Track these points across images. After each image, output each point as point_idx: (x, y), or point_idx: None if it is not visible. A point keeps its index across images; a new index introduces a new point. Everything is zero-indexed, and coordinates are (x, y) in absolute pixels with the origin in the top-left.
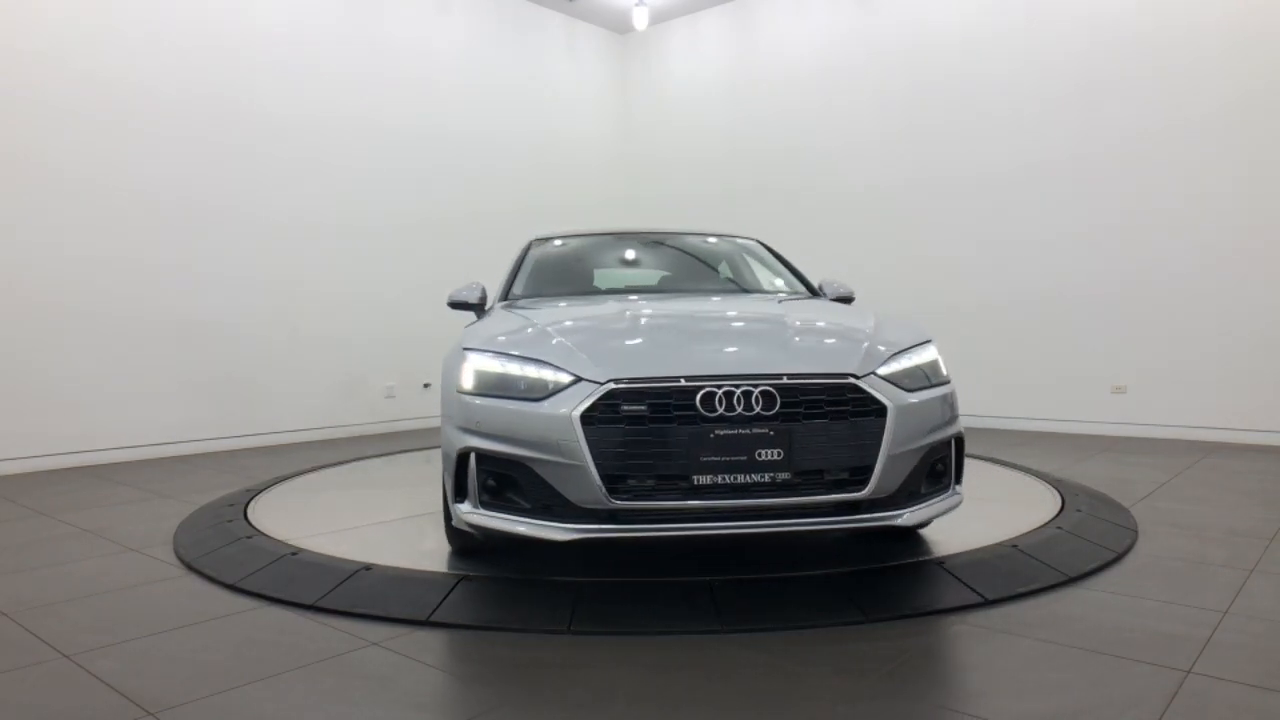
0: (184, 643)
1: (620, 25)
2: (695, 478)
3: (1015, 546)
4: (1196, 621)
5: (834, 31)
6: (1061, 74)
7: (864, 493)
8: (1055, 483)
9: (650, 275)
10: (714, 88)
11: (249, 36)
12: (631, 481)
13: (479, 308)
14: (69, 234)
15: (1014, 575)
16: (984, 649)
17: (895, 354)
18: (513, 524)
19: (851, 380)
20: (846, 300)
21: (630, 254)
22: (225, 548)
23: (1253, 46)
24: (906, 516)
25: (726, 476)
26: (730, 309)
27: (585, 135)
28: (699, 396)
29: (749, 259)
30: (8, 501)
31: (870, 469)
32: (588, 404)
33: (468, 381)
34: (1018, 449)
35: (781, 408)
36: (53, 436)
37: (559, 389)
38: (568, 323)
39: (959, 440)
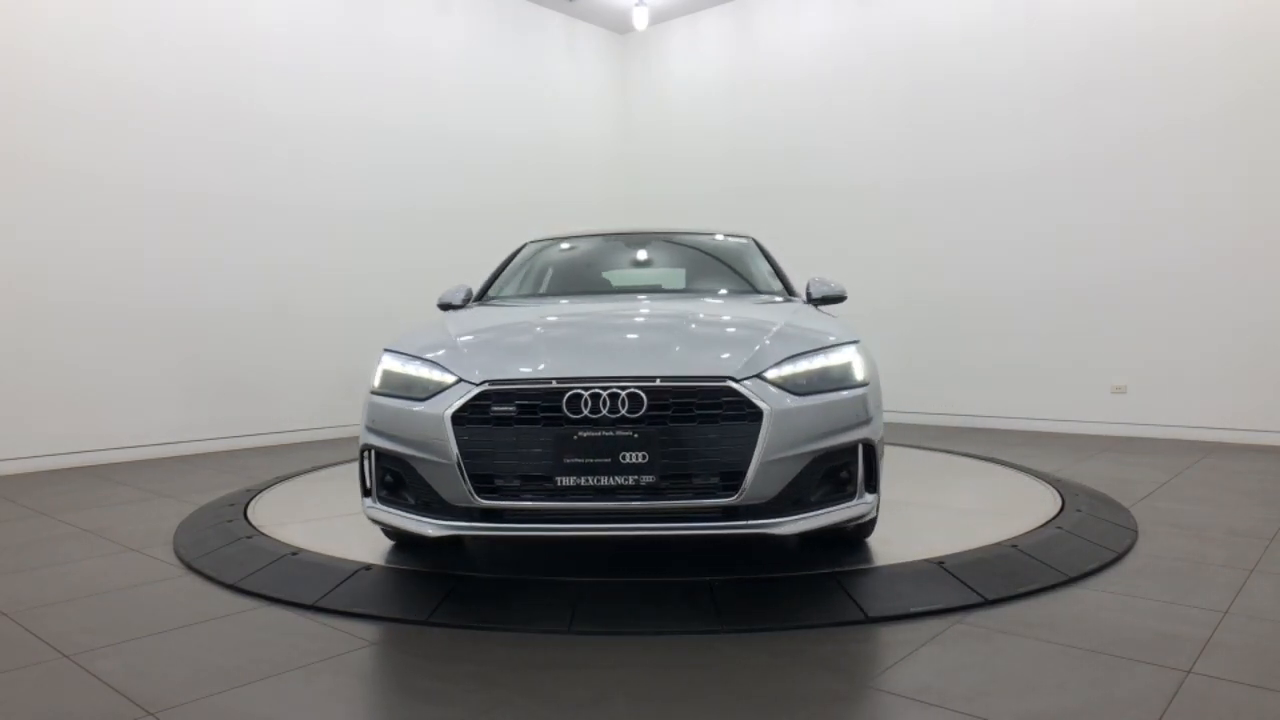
0: (184, 643)
1: (620, 25)
2: (558, 479)
3: (1015, 546)
4: (1196, 621)
5: (834, 31)
6: (1061, 74)
7: (734, 499)
8: (1055, 483)
9: (627, 276)
10: (714, 87)
11: (249, 36)
12: (499, 481)
13: (462, 309)
14: (69, 234)
15: (1014, 575)
16: (984, 649)
17: (793, 356)
18: (400, 519)
19: (729, 383)
20: (837, 299)
21: (612, 256)
22: (225, 548)
23: (1252, 47)
24: (787, 526)
25: (590, 479)
26: (660, 310)
27: (585, 135)
28: (565, 398)
29: (733, 258)
30: (8, 501)
31: (742, 474)
32: (459, 404)
33: (376, 381)
34: (1018, 449)
35: (648, 410)
36: (53, 436)
37: (441, 390)
38: (482, 324)
39: (868, 446)
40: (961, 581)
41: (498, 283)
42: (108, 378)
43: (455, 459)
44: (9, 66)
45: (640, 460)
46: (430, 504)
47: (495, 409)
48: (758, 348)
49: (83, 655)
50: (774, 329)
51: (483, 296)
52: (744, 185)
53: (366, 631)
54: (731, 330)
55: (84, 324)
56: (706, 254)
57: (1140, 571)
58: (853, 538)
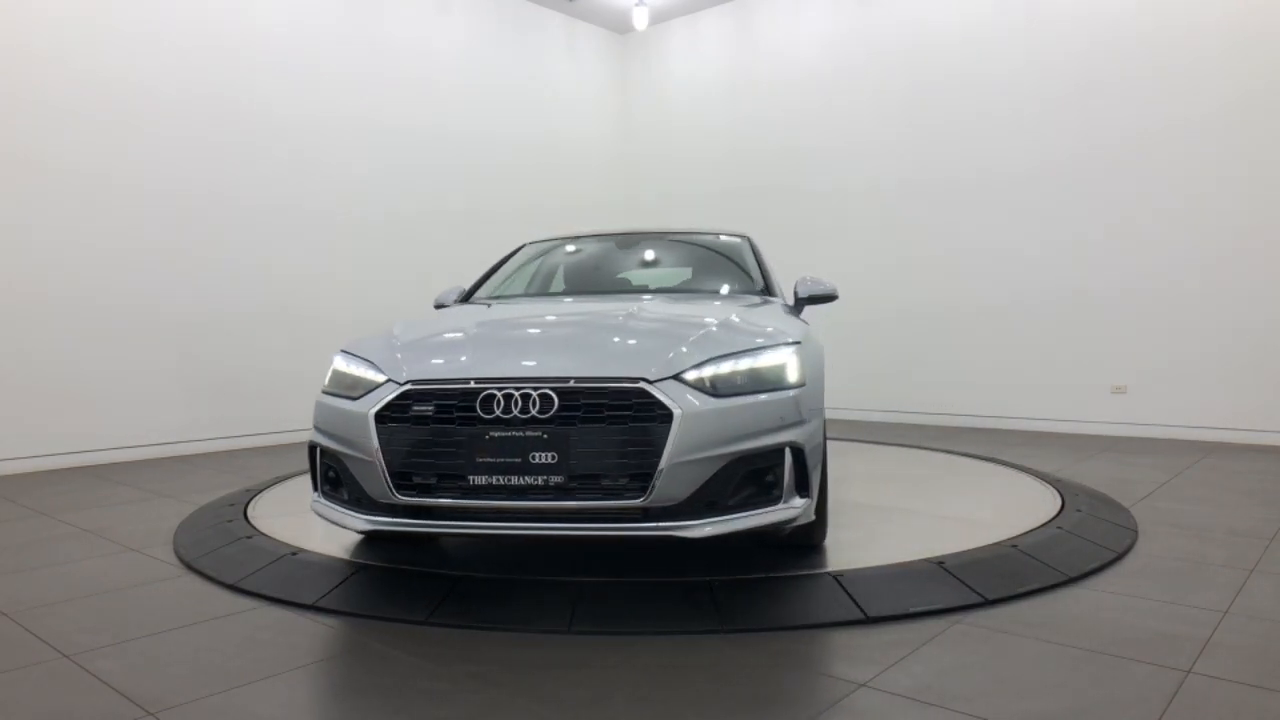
0: (184, 643)
1: (620, 25)
2: (471, 478)
3: (1015, 546)
4: (1196, 621)
5: (834, 31)
6: (1061, 75)
7: (642, 501)
8: (1055, 483)
9: (612, 278)
10: (714, 87)
11: (249, 36)
12: (416, 479)
13: (442, 310)
14: (69, 234)
15: (1014, 575)
16: (984, 649)
17: (718, 357)
18: (335, 513)
19: (642, 384)
20: (826, 299)
21: (601, 257)
22: (225, 548)
23: (1252, 47)
24: (699, 529)
25: (502, 478)
26: (610, 310)
27: (585, 135)
28: (479, 399)
29: (723, 258)
30: (8, 501)
31: (651, 476)
32: (383, 404)
33: (326, 380)
34: (1018, 449)
35: (558, 411)
36: (53, 436)
37: (372, 389)
38: (432, 325)
39: (796, 449)
40: (961, 581)
41: (490, 283)
42: (108, 378)
43: (377, 456)
44: (11, 66)
45: (550, 461)
46: (360, 500)
47: (415, 408)
48: (683, 349)
49: (83, 655)
50: (709, 329)
51: (469, 297)
52: (744, 185)
53: (366, 631)
54: (662, 331)
55: (84, 324)
56: (695, 254)
57: (1140, 571)
58: (798, 544)
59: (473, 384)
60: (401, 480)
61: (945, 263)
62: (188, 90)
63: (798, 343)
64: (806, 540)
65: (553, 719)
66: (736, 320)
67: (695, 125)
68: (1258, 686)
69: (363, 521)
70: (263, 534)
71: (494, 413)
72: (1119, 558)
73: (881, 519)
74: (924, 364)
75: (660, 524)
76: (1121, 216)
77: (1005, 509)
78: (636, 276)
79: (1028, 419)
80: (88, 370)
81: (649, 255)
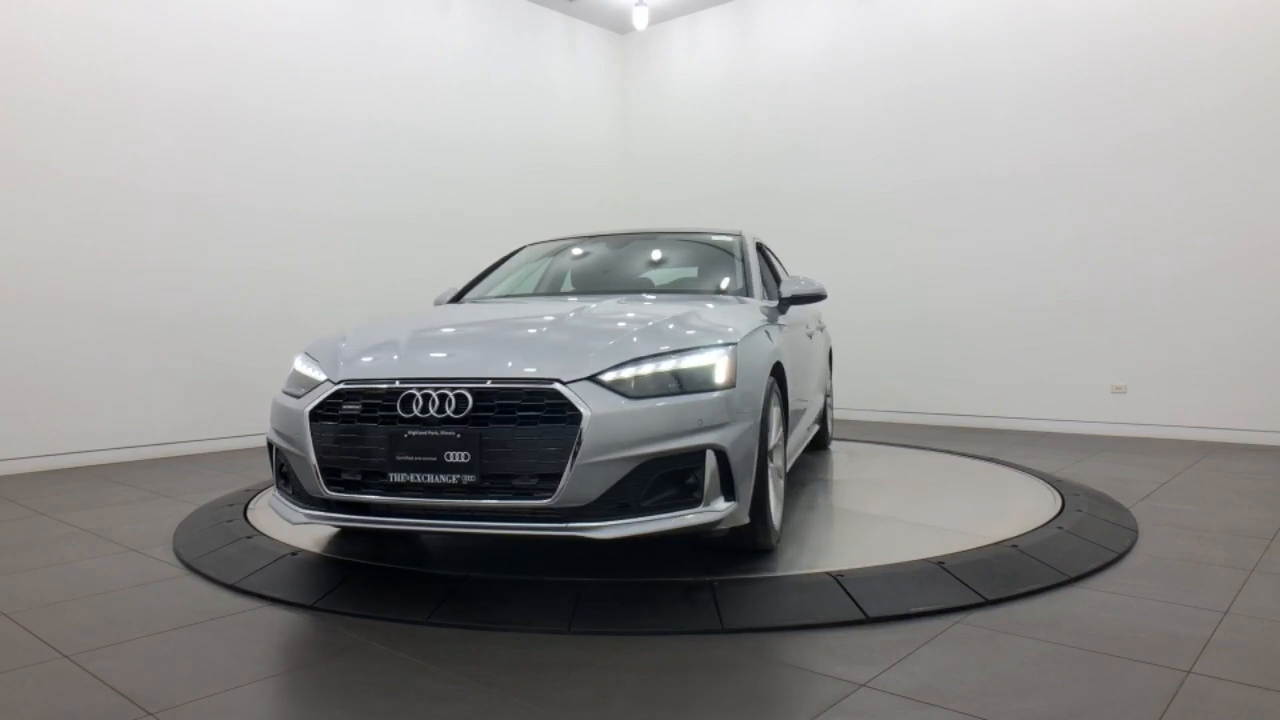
0: (184, 643)
1: (620, 25)
2: (391, 475)
3: (1015, 546)
4: (1196, 621)
5: (834, 31)
6: (1061, 75)
7: (549, 501)
8: (1055, 483)
9: (596, 278)
10: (714, 87)
11: (248, 37)
12: (344, 475)
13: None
14: (69, 234)
15: (1014, 575)
16: (984, 649)
17: (640, 358)
18: (282, 507)
19: (555, 386)
20: (811, 299)
21: (590, 258)
22: (225, 548)
23: (1252, 49)
24: (608, 530)
25: (419, 476)
26: (555, 310)
27: (585, 135)
28: (400, 399)
29: (709, 258)
30: (8, 501)
31: (559, 477)
32: (317, 402)
33: (286, 379)
34: (1018, 449)
35: (472, 411)
36: (53, 436)
37: (313, 388)
38: (376, 326)
39: (719, 452)
40: (961, 581)
41: (484, 284)
42: (108, 378)
43: (310, 452)
44: (10, 66)
45: (463, 460)
46: (300, 494)
47: (345, 407)
48: (606, 350)
49: (83, 655)
50: (640, 330)
51: (459, 298)
52: (744, 185)
53: (366, 631)
54: (591, 332)
55: (84, 324)
56: (683, 254)
57: (1140, 571)
58: (742, 547)
59: (397, 384)
60: (331, 476)
61: (945, 263)
62: (187, 90)
63: (732, 344)
64: (749, 544)
65: (553, 719)
66: (675, 321)
67: (695, 125)
68: (1258, 686)
69: (300, 515)
70: (263, 534)
71: (412, 412)
72: (1119, 558)
73: (882, 519)
74: (924, 364)
75: (569, 524)
76: (1121, 216)
77: (1005, 509)
78: (619, 278)
79: (1028, 419)
80: (88, 370)
81: (636, 256)
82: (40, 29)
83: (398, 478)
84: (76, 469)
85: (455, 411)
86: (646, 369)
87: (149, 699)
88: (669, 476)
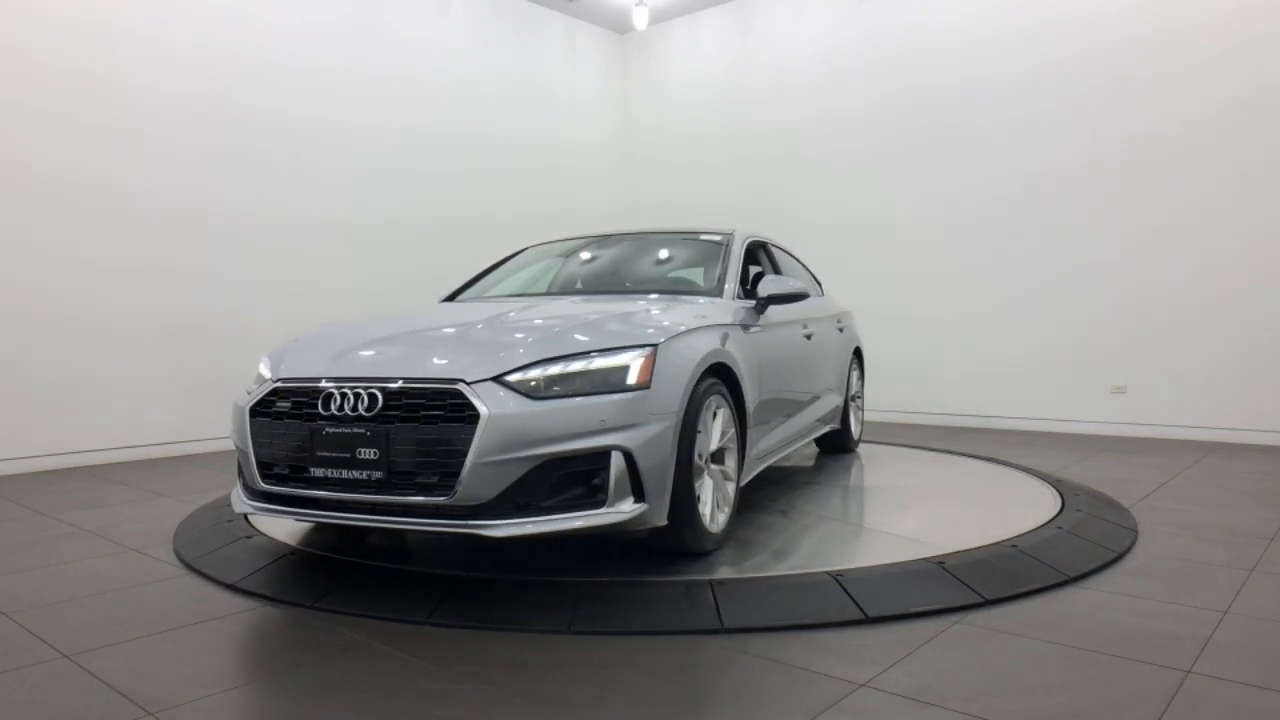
0: (184, 643)
1: (620, 25)
2: (312, 470)
3: (1015, 546)
4: (1196, 621)
5: (834, 31)
6: (1062, 76)
7: (448, 499)
8: (1055, 483)
9: (573, 279)
10: (714, 87)
11: (248, 37)
12: (276, 469)
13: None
14: (68, 235)
15: (1014, 575)
16: (984, 649)
17: (549, 359)
18: (234, 497)
19: (459, 386)
20: (791, 298)
21: (578, 259)
22: (225, 548)
23: (1256, 51)
24: (505, 529)
25: (334, 471)
26: (499, 311)
27: (585, 135)
28: (321, 397)
29: (695, 257)
30: (8, 501)
31: (457, 475)
32: (255, 400)
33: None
34: (1018, 449)
35: (381, 410)
36: (53, 436)
37: (260, 385)
38: (333, 327)
39: (625, 453)
40: (961, 581)
41: (480, 284)
42: (107, 378)
43: (249, 446)
44: (10, 68)
45: (372, 457)
46: (246, 485)
47: (278, 404)
48: (518, 351)
49: (83, 655)
50: (560, 330)
51: (454, 297)
52: (744, 185)
53: (366, 631)
54: (510, 333)
55: (84, 324)
56: (668, 253)
57: (1140, 571)
58: (669, 549)
59: (322, 383)
60: (266, 469)
61: (945, 263)
62: (186, 92)
63: (651, 345)
64: (676, 546)
65: (553, 719)
66: (599, 321)
67: (695, 125)
68: (1258, 686)
69: (244, 505)
70: (263, 534)
71: (330, 410)
72: (1119, 558)
73: (881, 518)
74: (924, 364)
75: (466, 522)
76: (1122, 217)
77: (1005, 509)
78: (600, 278)
79: (1028, 419)
80: (88, 370)
81: (621, 256)
82: (40, 31)
83: (318, 472)
84: (76, 469)
85: (366, 410)
86: (554, 370)
87: (149, 699)
88: (572, 477)
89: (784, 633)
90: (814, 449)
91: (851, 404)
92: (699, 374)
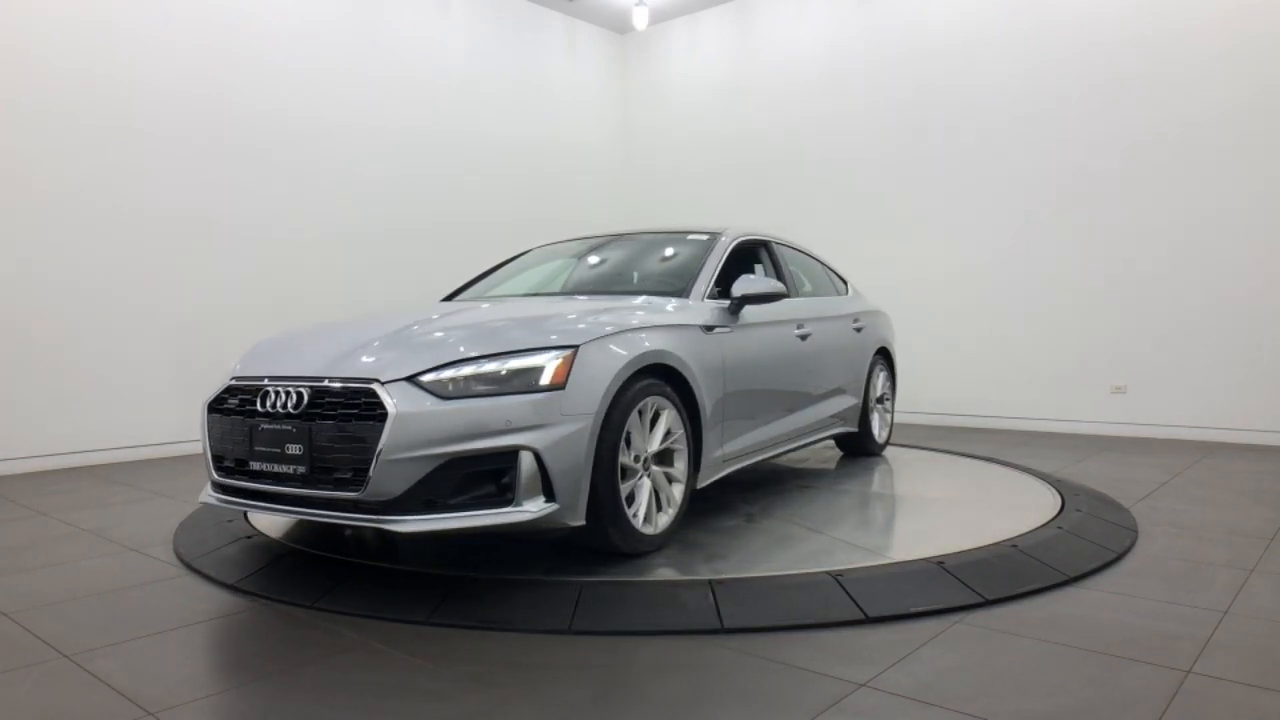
0: (184, 643)
1: (620, 25)
2: (252, 463)
3: (1015, 546)
4: (1196, 621)
5: (834, 31)
6: (1063, 76)
7: (358, 494)
8: (1055, 483)
9: (555, 281)
10: (714, 87)
11: (247, 38)
12: (226, 462)
13: None
14: (69, 235)
15: (1014, 575)
16: (984, 649)
17: (462, 360)
18: (205, 489)
19: (373, 385)
20: (765, 298)
21: (570, 260)
22: (225, 548)
23: (1256, 51)
24: (411, 524)
25: (268, 465)
26: (449, 309)
27: (585, 135)
28: (259, 394)
29: (679, 257)
30: (8, 501)
31: (366, 471)
32: (212, 397)
33: None
34: (1018, 449)
35: (306, 408)
36: (53, 436)
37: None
38: (303, 328)
39: (534, 452)
40: (961, 581)
41: (477, 286)
42: (108, 378)
43: (206, 440)
44: (11, 70)
45: (298, 452)
46: (208, 477)
47: (229, 401)
48: (436, 351)
49: (83, 655)
50: (481, 331)
51: (451, 297)
52: (744, 185)
53: (366, 631)
54: (440, 333)
55: (84, 324)
56: (652, 254)
57: (1140, 571)
58: (595, 548)
59: (265, 381)
60: (218, 462)
61: (945, 263)
62: (186, 92)
63: (571, 346)
64: (603, 546)
65: (553, 719)
66: (527, 322)
67: (696, 124)
68: (1258, 686)
69: (205, 495)
70: (263, 534)
71: (265, 407)
72: (1119, 558)
73: (881, 518)
74: (924, 364)
75: (376, 516)
76: (1121, 216)
77: (1005, 509)
78: (579, 279)
79: (1028, 419)
80: (88, 370)
81: (610, 258)
82: (40, 31)
83: (256, 465)
84: (76, 469)
85: (294, 407)
86: (466, 370)
87: (149, 699)
88: (482, 475)
89: (784, 633)
90: (836, 452)
91: (876, 406)
92: (627, 375)
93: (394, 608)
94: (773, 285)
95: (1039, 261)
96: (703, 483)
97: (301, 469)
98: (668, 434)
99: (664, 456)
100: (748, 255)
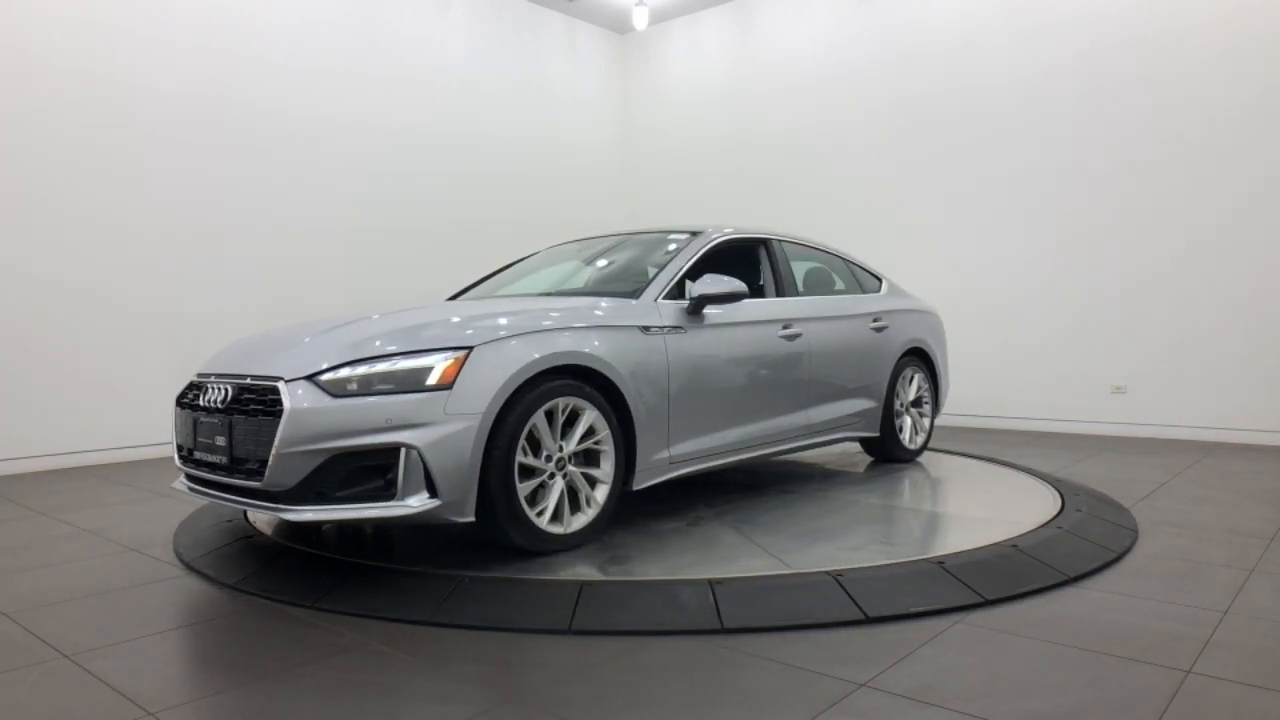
0: (184, 643)
1: (620, 25)
2: (194, 453)
3: (1015, 546)
4: (1196, 621)
5: (834, 31)
6: (1063, 75)
7: (259, 484)
8: (1055, 483)
9: (534, 283)
10: (714, 87)
11: (247, 38)
12: (182, 450)
13: None
14: (69, 235)
15: (1014, 575)
16: (984, 649)
17: (358, 360)
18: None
19: (278, 384)
20: (727, 298)
21: (565, 261)
22: (225, 548)
23: (1256, 51)
24: (299, 514)
25: (204, 455)
26: (396, 310)
27: (585, 135)
28: (200, 390)
29: (662, 257)
30: (8, 501)
31: (265, 463)
32: (179, 391)
33: None
34: (1018, 449)
35: (229, 403)
36: (53, 436)
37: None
38: (290, 323)
39: (414, 449)
40: (961, 581)
41: (481, 284)
42: (108, 378)
43: (174, 431)
44: (11, 70)
45: (221, 444)
46: None
47: (188, 395)
48: (337, 352)
49: (83, 655)
50: (385, 332)
51: (455, 296)
52: (744, 185)
53: (366, 631)
54: (346, 334)
55: (84, 324)
56: (632, 255)
57: (1140, 571)
58: (502, 544)
59: (211, 377)
60: (179, 451)
61: (945, 263)
62: (186, 93)
63: (464, 348)
64: (505, 542)
65: (553, 719)
66: (432, 323)
67: (696, 125)
68: (1258, 686)
69: (175, 483)
70: (263, 534)
71: (203, 402)
72: (1119, 558)
73: (881, 519)
74: None
75: (276, 505)
76: (1122, 217)
77: (1005, 509)
78: (571, 280)
79: (1028, 419)
80: (88, 370)
81: (591, 259)
82: (40, 32)
83: (197, 455)
84: (76, 469)
85: (222, 403)
86: (361, 370)
87: (149, 699)
88: (368, 470)
89: (784, 633)
90: (863, 457)
91: (907, 411)
92: (527, 375)
93: (394, 608)
94: (732, 285)
95: (1039, 262)
96: (641, 484)
97: (224, 459)
98: (589, 435)
99: (590, 456)
100: (740, 254)
